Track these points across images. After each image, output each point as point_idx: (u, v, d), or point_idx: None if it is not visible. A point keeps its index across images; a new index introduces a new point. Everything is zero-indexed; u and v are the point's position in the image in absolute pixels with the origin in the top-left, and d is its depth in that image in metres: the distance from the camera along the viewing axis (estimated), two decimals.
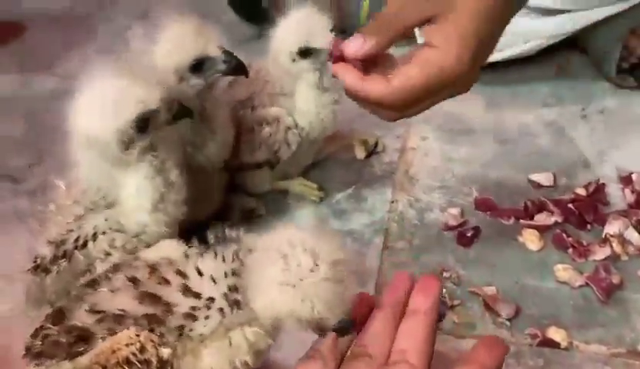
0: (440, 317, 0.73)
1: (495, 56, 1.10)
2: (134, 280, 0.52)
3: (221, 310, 0.53)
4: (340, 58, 0.62)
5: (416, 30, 0.64)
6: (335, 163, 0.99)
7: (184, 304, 0.52)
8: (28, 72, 1.35)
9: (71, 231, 0.65)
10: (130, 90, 0.61)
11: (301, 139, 0.84)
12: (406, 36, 0.62)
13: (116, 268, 0.55)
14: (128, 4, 1.60)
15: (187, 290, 0.53)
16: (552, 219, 0.83)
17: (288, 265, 0.49)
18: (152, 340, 0.51)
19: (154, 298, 0.52)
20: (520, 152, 0.97)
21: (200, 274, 0.53)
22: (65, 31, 1.51)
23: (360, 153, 1.00)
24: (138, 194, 0.65)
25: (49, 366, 0.53)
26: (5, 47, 1.46)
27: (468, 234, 0.83)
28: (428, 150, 1.00)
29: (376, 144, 1.01)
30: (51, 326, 0.54)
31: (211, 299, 0.52)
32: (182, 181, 0.68)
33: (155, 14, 1.55)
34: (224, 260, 0.54)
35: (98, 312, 0.52)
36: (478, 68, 0.61)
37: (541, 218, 0.83)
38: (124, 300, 0.52)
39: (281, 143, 0.83)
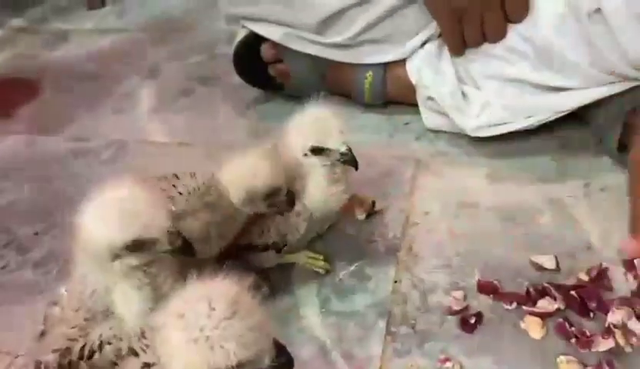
0: None
1: (498, 129, 1.12)
2: None
3: None
4: None
5: None
6: (337, 238, 1.00)
7: None
8: (38, 134, 1.37)
9: (76, 340, 0.65)
10: (139, 209, 0.61)
11: (308, 223, 0.85)
12: None
13: None
14: (137, 62, 1.64)
15: None
16: (555, 306, 0.83)
17: (186, 322, 0.50)
18: None
19: None
20: (522, 230, 0.98)
21: None
22: (76, 90, 1.54)
23: (360, 214, 1.02)
24: (126, 304, 0.65)
25: None
26: (17, 107, 1.49)
27: (471, 321, 0.83)
28: (432, 225, 1.01)
29: (374, 204, 1.03)
30: None
31: None
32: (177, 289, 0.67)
33: (163, 73, 1.59)
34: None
35: None
36: None
37: (544, 305, 0.83)
38: None
39: (290, 228, 0.85)
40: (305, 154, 0.82)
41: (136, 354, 0.58)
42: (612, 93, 1.03)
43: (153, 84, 1.54)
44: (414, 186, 1.10)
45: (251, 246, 0.87)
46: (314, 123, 0.81)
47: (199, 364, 0.49)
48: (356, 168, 0.83)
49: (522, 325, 0.82)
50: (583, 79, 1.03)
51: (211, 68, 1.58)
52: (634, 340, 0.78)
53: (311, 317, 0.86)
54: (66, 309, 0.67)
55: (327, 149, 0.81)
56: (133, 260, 0.63)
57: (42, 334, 0.68)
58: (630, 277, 0.86)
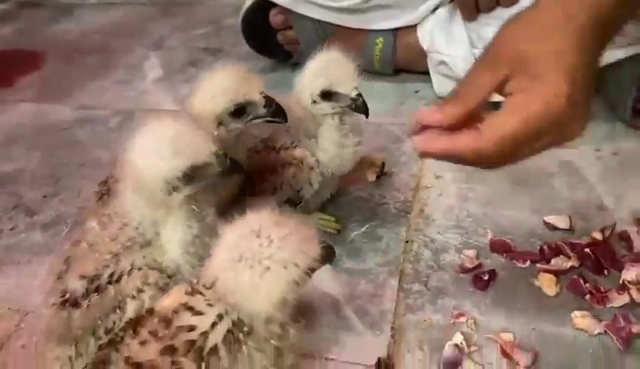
0: (456, 364, 0.73)
1: None
2: (154, 334, 0.54)
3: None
4: (419, 131, 0.61)
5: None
6: (349, 200, 0.99)
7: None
8: (45, 103, 1.37)
9: (107, 266, 0.64)
10: (186, 138, 0.62)
11: (322, 178, 0.84)
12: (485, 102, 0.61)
13: (138, 322, 0.56)
14: (143, 35, 1.63)
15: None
16: (569, 264, 0.82)
17: (246, 259, 0.53)
18: None
19: (172, 349, 0.54)
20: (535, 193, 0.97)
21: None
22: (83, 62, 1.53)
23: (370, 176, 1.02)
24: (174, 237, 0.66)
25: None
26: (23, 77, 1.49)
27: (485, 278, 0.82)
28: (443, 189, 1.00)
29: (383, 165, 1.03)
30: None
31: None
32: (216, 225, 0.68)
33: (169, 45, 1.58)
34: None
35: (134, 364, 0.54)
36: (580, 106, 0.57)
37: (558, 263, 0.83)
38: (151, 352, 0.54)
39: (304, 183, 0.84)
40: (314, 102, 0.80)
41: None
42: (627, 56, 1.02)
43: (159, 55, 1.54)
44: None
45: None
46: (325, 66, 0.79)
47: (276, 297, 0.54)
48: (367, 115, 0.80)
49: (536, 282, 0.81)
50: None
51: (218, 39, 1.57)
52: None
53: (323, 275, 0.86)
54: (98, 239, 0.67)
55: (337, 93, 0.79)
56: (188, 189, 0.63)
57: (60, 276, 0.68)
58: None
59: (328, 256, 0.58)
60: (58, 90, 1.41)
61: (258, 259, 0.53)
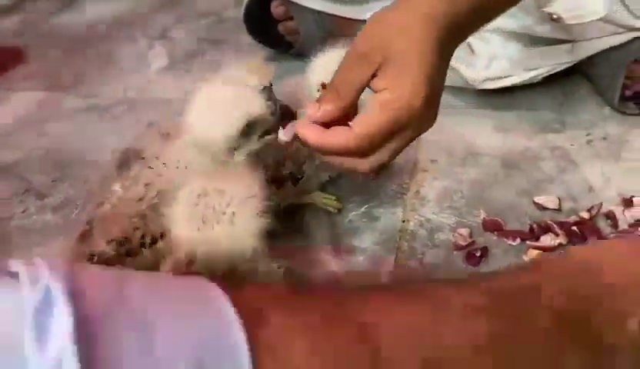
0: None
1: (504, 82, 1.15)
2: None
3: None
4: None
5: None
6: (347, 183, 1.03)
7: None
8: (50, 91, 1.40)
9: (137, 228, 0.67)
10: (235, 98, 0.66)
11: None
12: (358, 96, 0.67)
13: None
14: (146, 26, 1.67)
15: None
16: (557, 241, 0.86)
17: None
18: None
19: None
20: (526, 176, 1.01)
21: None
22: (86, 52, 1.57)
23: None
24: None
25: None
26: (29, 66, 1.52)
27: (477, 254, 0.86)
28: (438, 172, 1.04)
29: None
30: None
31: None
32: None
33: (173, 36, 1.62)
34: None
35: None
36: (434, 104, 0.67)
37: (547, 240, 0.87)
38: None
39: (306, 158, 0.88)
40: (318, 90, 0.84)
41: None
42: (615, 44, 1.05)
43: (163, 46, 1.57)
44: (421, 138, 1.12)
45: (268, 180, 0.90)
46: (330, 62, 0.83)
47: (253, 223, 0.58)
48: None
49: (525, 258, 0.86)
50: (585, 31, 1.06)
51: (220, 30, 1.61)
52: None
53: (322, 253, 0.90)
54: (122, 201, 0.70)
55: None
56: (250, 145, 0.68)
57: (84, 235, 0.71)
58: (627, 214, 0.89)
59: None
60: (64, 79, 1.45)
61: (221, 210, 0.56)
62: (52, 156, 1.19)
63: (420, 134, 0.68)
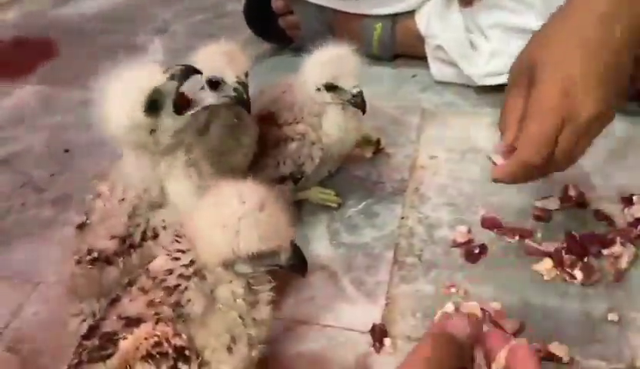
0: None
1: (504, 78, 1.14)
2: (143, 289, 0.58)
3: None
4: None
5: None
6: (347, 179, 1.03)
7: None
8: (51, 85, 1.40)
9: (138, 225, 0.67)
10: (137, 74, 0.65)
11: (322, 154, 0.88)
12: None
13: (130, 282, 0.60)
14: (146, 20, 1.66)
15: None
16: (556, 244, 0.86)
17: (218, 210, 0.55)
18: (165, 333, 0.55)
19: (157, 304, 0.57)
20: None
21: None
22: (87, 46, 1.56)
23: (367, 152, 1.06)
24: (178, 189, 0.68)
25: None
26: (28, 60, 1.51)
27: (475, 251, 0.86)
28: (437, 169, 1.04)
29: (379, 142, 1.07)
30: (86, 343, 0.58)
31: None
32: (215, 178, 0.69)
33: (172, 30, 1.61)
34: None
35: (124, 318, 0.57)
36: (608, 95, 0.69)
37: (546, 245, 0.86)
38: (138, 306, 0.57)
39: (306, 158, 0.88)
40: (318, 89, 0.84)
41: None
42: None
43: (162, 40, 1.56)
44: (420, 134, 1.13)
45: (268, 179, 0.90)
46: (332, 59, 0.83)
47: (224, 247, 0.54)
48: (364, 112, 0.86)
49: (523, 255, 0.86)
50: None
51: (220, 24, 1.60)
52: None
53: (321, 248, 0.90)
54: (111, 201, 0.69)
55: (339, 88, 0.84)
56: (175, 123, 0.65)
57: (83, 225, 0.71)
58: (627, 211, 0.89)
59: (295, 268, 0.59)
60: (63, 73, 1.44)
61: (237, 217, 0.54)
62: (51, 150, 1.19)
63: (586, 126, 0.71)
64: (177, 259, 0.58)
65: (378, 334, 0.76)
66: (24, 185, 1.09)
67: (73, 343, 0.62)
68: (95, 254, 0.67)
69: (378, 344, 0.75)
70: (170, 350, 0.55)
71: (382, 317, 0.79)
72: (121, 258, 0.67)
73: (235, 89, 0.78)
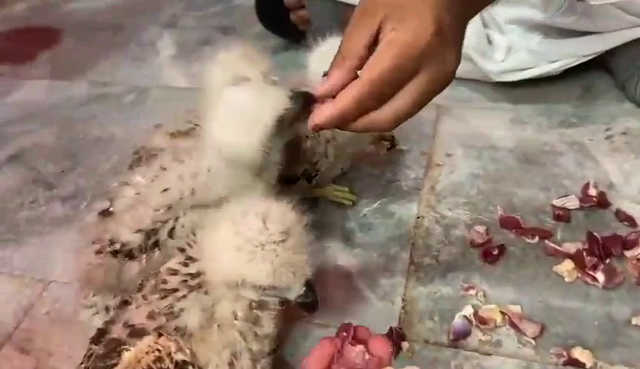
0: (466, 333, 0.75)
1: (522, 74, 1.12)
2: (145, 297, 0.56)
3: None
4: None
5: None
6: (361, 177, 1.01)
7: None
8: (60, 80, 1.38)
9: (166, 221, 0.65)
10: (265, 95, 0.63)
11: (336, 151, 0.86)
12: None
13: (141, 285, 0.58)
14: (156, 14, 1.64)
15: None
16: (577, 245, 0.84)
17: (237, 230, 0.51)
18: (167, 348, 0.54)
19: (157, 315, 0.56)
20: (544, 171, 0.99)
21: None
22: (98, 40, 1.55)
23: (381, 150, 1.03)
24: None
25: None
26: (37, 54, 1.50)
27: (494, 252, 0.84)
28: (454, 166, 1.02)
29: (393, 139, 1.03)
30: (94, 348, 0.57)
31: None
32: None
33: (182, 24, 1.59)
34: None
35: (130, 326, 0.56)
36: (452, 45, 0.58)
37: (567, 246, 0.84)
38: (142, 315, 0.56)
39: (320, 155, 0.86)
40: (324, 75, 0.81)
41: (182, 251, 0.59)
42: (637, 37, 1.02)
43: (172, 34, 1.55)
44: (436, 130, 1.11)
45: (282, 178, 0.88)
46: (333, 48, 0.80)
47: (235, 273, 0.51)
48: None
49: (544, 256, 0.83)
50: (609, 22, 1.03)
51: (231, 18, 1.58)
52: None
53: (335, 248, 0.88)
54: (147, 191, 0.67)
55: None
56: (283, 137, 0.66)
57: (106, 212, 0.68)
58: None
59: (307, 305, 0.56)
60: (73, 67, 1.43)
61: (248, 236, 0.50)
62: (62, 145, 1.18)
63: (438, 81, 0.58)
64: (185, 265, 0.56)
65: (396, 337, 0.74)
66: (34, 181, 1.09)
67: (84, 343, 0.61)
68: (117, 246, 0.64)
69: (395, 348, 0.73)
70: (171, 366, 0.53)
71: (399, 319, 0.77)
72: (145, 255, 0.65)
73: None
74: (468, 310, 0.77)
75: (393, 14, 0.57)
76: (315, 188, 0.94)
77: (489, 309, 0.77)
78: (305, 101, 0.63)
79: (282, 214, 0.52)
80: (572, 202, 0.92)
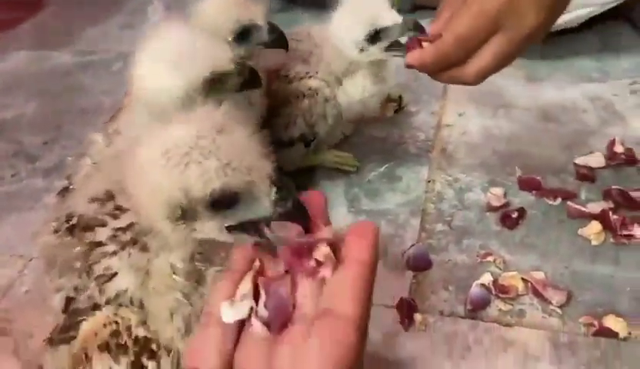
0: (485, 303, 0.68)
1: None
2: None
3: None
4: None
5: None
6: (365, 140, 0.93)
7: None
8: (44, 49, 1.31)
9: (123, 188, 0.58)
10: (206, 46, 0.56)
11: (337, 112, 0.79)
12: None
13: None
14: None
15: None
16: (603, 205, 0.77)
17: (160, 142, 0.38)
18: (126, 319, 0.48)
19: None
20: (565, 129, 0.91)
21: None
22: (84, 7, 1.47)
23: (389, 111, 0.97)
24: None
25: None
26: (23, 22, 1.43)
27: (513, 216, 0.77)
28: (466, 126, 0.94)
29: (401, 99, 0.98)
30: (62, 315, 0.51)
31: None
32: None
33: None
34: None
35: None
36: (531, 2, 0.59)
37: (592, 206, 0.77)
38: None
39: (318, 117, 0.78)
40: (362, 50, 0.73)
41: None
42: None
43: (164, 0, 1.46)
44: (446, 89, 1.03)
45: (276, 142, 0.80)
46: (360, 10, 0.72)
47: (169, 190, 0.38)
48: (423, 31, 0.71)
49: (567, 219, 0.76)
50: None
51: None
52: None
53: (339, 216, 0.81)
54: (102, 156, 0.60)
55: (385, 29, 0.71)
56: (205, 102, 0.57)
57: (65, 190, 0.62)
58: None
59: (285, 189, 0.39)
60: (58, 35, 1.35)
61: (185, 151, 0.38)
62: (45, 117, 1.10)
63: (516, 38, 0.60)
64: (114, 217, 0.48)
65: (407, 309, 0.67)
66: (15, 154, 1.01)
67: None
68: (75, 220, 0.57)
69: (407, 321, 0.66)
70: (129, 343, 0.46)
71: (410, 290, 0.70)
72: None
73: (268, 32, 0.72)
74: (487, 279, 0.70)
75: None
76: (314, 154, 0.86)
77: (510, 276, 0.70)
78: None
79: (207, 112, 0.40)
80: (597, 160, 0.84)
